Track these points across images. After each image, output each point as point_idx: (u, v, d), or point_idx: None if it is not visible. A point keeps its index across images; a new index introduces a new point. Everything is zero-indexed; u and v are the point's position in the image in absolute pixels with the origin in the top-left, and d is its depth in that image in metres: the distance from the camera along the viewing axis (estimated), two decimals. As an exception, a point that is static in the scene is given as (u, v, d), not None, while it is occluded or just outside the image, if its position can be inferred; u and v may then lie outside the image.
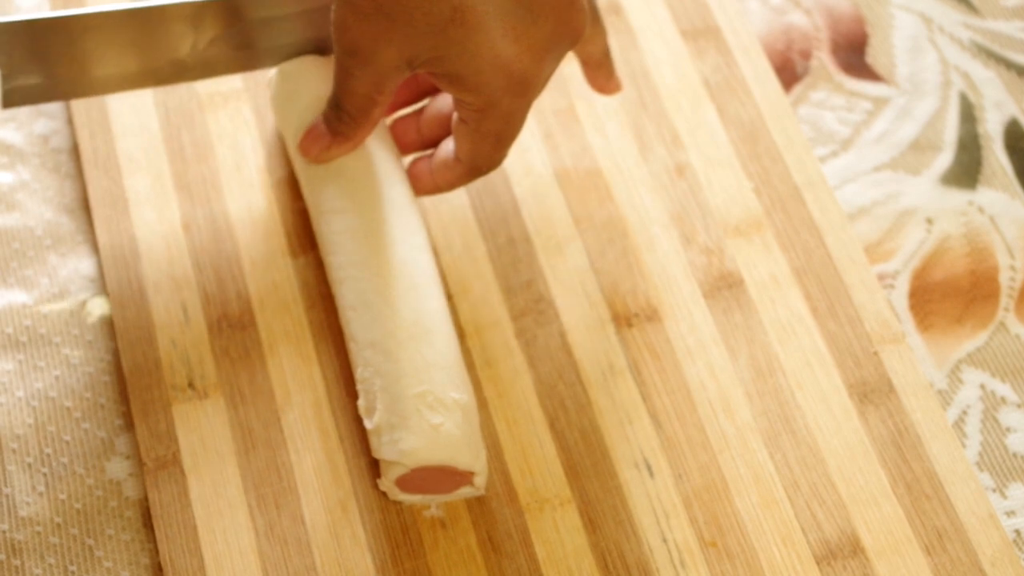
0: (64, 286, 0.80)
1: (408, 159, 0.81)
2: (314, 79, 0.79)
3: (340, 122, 0.76)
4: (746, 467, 0.76)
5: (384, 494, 0.74)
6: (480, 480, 0.73)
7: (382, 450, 0.72)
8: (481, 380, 0.77)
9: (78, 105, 0.84)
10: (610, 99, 0.86)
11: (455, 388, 0.72)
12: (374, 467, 0.75)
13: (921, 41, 0.90)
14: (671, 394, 0.77)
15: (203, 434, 0.76)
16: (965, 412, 0.79)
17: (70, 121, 0.85)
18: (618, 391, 0.77)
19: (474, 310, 0.79)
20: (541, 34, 0.72)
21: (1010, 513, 0.76)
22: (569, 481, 0.75)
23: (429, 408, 0.72)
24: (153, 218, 0.81)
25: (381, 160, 0.78)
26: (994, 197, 0.85)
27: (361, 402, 0.73)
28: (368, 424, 0.73)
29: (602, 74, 0.81)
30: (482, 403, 0.77)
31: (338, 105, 0.75)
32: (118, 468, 0.76)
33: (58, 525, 0.74)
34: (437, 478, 0.72)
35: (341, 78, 0.75)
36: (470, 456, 0.72)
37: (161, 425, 0.76)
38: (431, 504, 0.74)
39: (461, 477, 0.72)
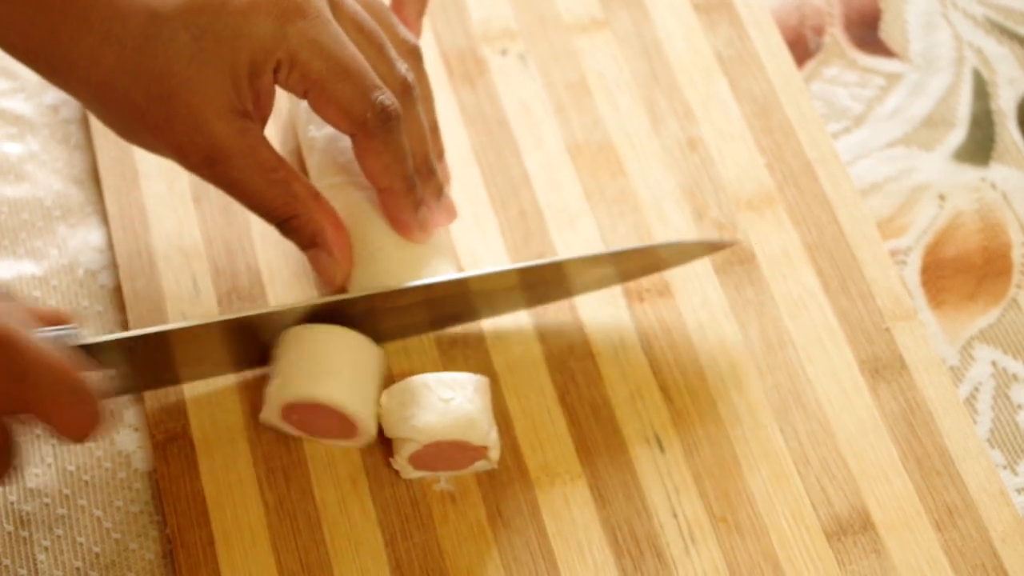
0: (74, 257, 0.80)
1: None
2: None
3: (299, 228, 0.72)
4: (757, 442, 0.75)
5: (395, 470, 0.74)
6: (494, 454, 0.72)
7: (395, 428, 0.72)
8: (491, 354, 0.77)
9: (87, 76, 0.84)
10: (622, 72, 0.86)
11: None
12: (384, 442, 0.75)
13: (934, 17, 0.90)
14: (682, 369, 0.77)
15: (213, 407, 0.75)
16: (976, 389, 0.78)
17: (79, 92, 0.85)
18: (629, 365, 0.77)
19: (485, 284, 0.79)
20: None
21: (1021, 490, 0.76)
22: (579, 456, 0.75)
23: (440, 383, 0.71)
24: (163, 189, 0.81)
25: None
26: (1007, 173, 0.85)
27: None
28: (380, 402, 0.72)
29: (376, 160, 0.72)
30: (492, 377, 0.77)
31: (278, 217, 0.71)
32: (127, 440, 0.76)
33: (66, 496, 0.74)
34: (450, 453, 0.72)
35: (241, 194, 0.70)
36: (484, 431, 0.72)
37: (171, 397, 0.75)
38: (440, 478, 0.74)
39: (475, 452, 0.72)
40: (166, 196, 0.81)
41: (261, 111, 0.71)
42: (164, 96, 0.68)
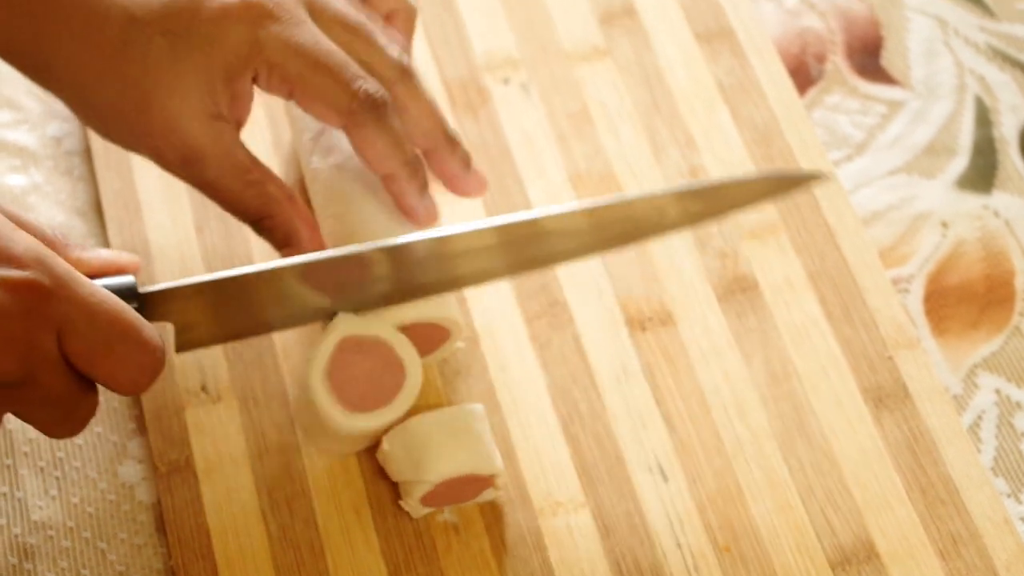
0: (77, 289, 0.80)
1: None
2: None
3: (273, 228, 0.72)
4: (760, 472, 0.75)
5: (400, 506, 0.74)
6: (501, 481, 0.73)
7: (403, 472, 0.72)
8: (495, 384, 0.77)
9: (90, 107, 0.84)
10: (623, 101, 0.86)
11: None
12: (387, 477, 0.74)
13: (936, 44, 0.90)
14: (685, 398, 0.77)
15: (216, 438, 0.75)
16: (980, 417, 0.78)
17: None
18: (632, 395, 0.77)
19: (487, 313, 0.79)
20: None
21: (1025, 518, 0.76)
22: (583, 485, 0.75)
23: (440, 422, 0.71)
24: (166, 220, 0.81)
25: None
26: (1009, 201, 0.85)
27: None
28: (382, 448, 0.72)
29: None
30: (496, 407, 0.77)
31: (252, 217, 0.72)
32: (131, 472, 0.76)
33: (70, 529, 0.74)
34: (460, 487, 0.72)
35: (216, 194, 0.71)
36: (490, 460, 0.72)
37: (174, 429, 0.75)
38: (444, 509, 0.74)
39: (483, 482, 0.72)
40: (168, 227, 0.81)
41: (237, 114, 0.72)
42: (141, 100, 0.69)
